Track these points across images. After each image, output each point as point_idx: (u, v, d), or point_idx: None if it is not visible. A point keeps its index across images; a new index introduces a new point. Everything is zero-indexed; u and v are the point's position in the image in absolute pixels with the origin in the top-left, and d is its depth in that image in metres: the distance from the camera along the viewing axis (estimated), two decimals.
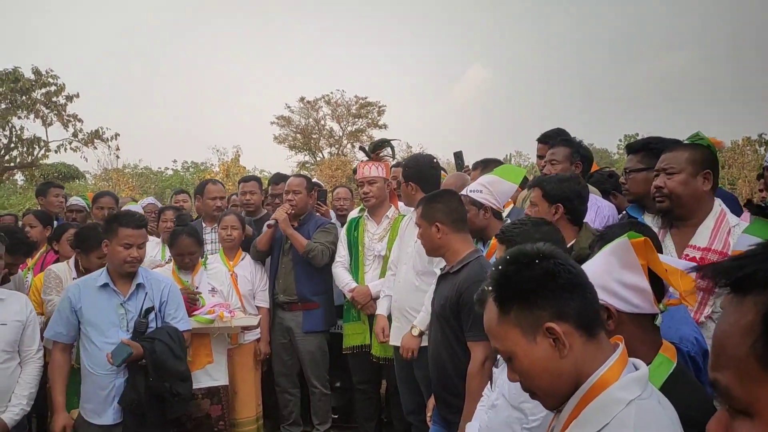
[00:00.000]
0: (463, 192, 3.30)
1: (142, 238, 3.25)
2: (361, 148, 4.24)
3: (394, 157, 4.18)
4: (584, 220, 2.81)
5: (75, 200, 5.46)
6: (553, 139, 3.94)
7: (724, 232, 2.40)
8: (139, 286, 3.27)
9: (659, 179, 2.48)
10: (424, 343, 3.12)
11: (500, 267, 1.38)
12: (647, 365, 1.47)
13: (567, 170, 3.32)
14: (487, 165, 3.92)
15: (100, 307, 3.19)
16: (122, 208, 5.51)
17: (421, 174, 3.67)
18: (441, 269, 2.92)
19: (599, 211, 3.18)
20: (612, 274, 1.60)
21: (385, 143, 4.09)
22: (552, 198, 2.74)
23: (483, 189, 3.20)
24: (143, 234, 3.26)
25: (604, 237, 2.04)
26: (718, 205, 2.48)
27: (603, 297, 1.55)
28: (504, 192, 3.24)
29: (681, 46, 70.56)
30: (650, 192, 2.76)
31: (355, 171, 4.32)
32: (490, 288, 1.37)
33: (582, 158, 3.52)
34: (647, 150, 2.82)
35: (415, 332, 3.31)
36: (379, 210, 4.12)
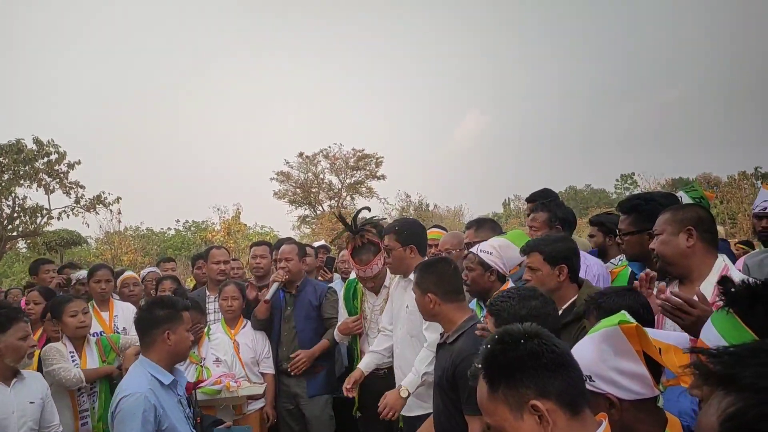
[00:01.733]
0: (474, 250, 3.34)
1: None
2: (344, 224, 4.01)
3: (380, 235, 3.82)
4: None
5: (81, 274, 5.53)
6: (538, 199, 3.98)
7: None
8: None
9: (653, 242, 2.51)
10: (428, 411, 3.11)
11: (488, 346, 1.46)
12: None
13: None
14: (480, 225, 3.91)
15: (173, 407, 2.90)
16: (120, 278, 5.57)
17: (418, 237, 3.60)
18: (441, 334, 2.95)
19: (588, 269, 3.20)
20: (608, 363, 1.60)
21: (368, 223, 3.97)
22: (554, 260, 2.69)
23: (493, 252, 3.21)
24: None
25: (600, 306, 2.07)
26: (722, 260, 2.38)
27: (602, 386, 1.59)
28: (512, 258, 3.22)
29: (674, 84, 72.03)
30: (647, 252, 2.83)
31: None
32: (480, 366, 1.44)
33: (562, 221, 3.48)
34: (638, 212, 2.88)
35: (404, 393, 3.20)
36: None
